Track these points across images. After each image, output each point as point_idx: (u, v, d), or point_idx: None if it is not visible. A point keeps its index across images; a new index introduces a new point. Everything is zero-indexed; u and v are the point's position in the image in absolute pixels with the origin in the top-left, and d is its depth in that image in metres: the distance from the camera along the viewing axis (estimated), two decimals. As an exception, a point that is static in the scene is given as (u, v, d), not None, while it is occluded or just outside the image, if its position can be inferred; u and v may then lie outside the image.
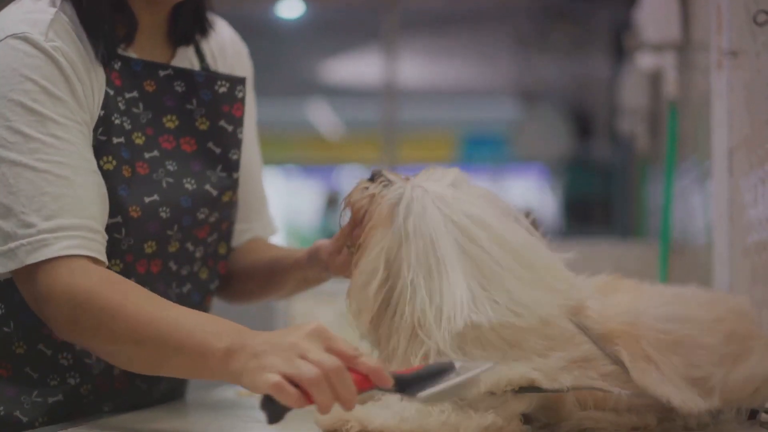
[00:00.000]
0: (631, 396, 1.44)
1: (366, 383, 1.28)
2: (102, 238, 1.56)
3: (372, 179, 1.55)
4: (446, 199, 1.47)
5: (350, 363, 1.29)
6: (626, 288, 1.56)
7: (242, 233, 1.95)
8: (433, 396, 1.27)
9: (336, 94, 10.69)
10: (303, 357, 1.28)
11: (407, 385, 1.28)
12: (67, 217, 1.52)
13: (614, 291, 1.54)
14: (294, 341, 1.31)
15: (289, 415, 1.37)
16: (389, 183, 1.53)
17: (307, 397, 1.27)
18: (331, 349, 1.30)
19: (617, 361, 1.44)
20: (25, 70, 1.55)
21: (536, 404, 1.44)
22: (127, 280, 1.54)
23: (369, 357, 1.31)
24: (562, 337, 1.44)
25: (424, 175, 1.53)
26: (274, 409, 1.28)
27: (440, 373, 1.28)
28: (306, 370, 1.27)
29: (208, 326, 1.41)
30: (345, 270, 1.65)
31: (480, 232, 1.44)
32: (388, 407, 1.40)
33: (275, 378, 1.27)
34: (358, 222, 1.55)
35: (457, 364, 1.29)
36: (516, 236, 1.47)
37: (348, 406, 1.28)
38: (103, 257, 1.55)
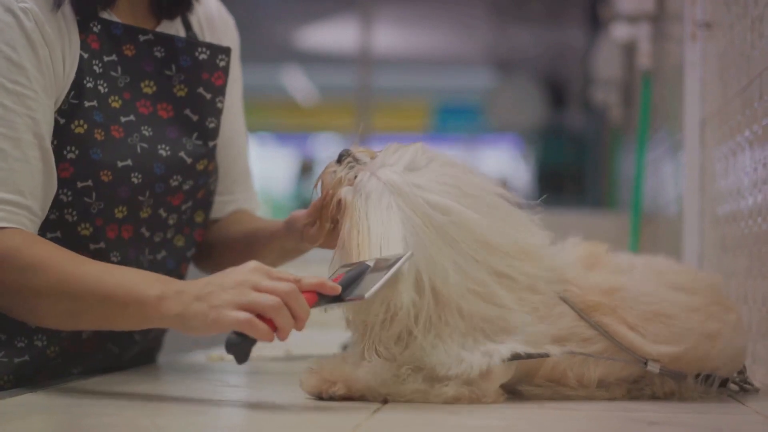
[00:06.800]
0: (606, 361, 1.47)
1: (312, 299, 1.37)
2: (30, 214, 1.55)
3: (339, 161, 1.56)
4: (400, 188, 1.47)
5: (296, 285, 1.36)
6: (606, 263, 1.56)
7: (226, 204, 1.94)
8: (377, 292, 1.35)
9: (311, 60, 10.65)
10: (256, 289, 1.34)
11: (345, 290, 1.37)
12: None
13: (594, 266, 1.54)
14: (240, 278, 1.36)
15: (272, 383, 1.38)
16: (356, 163, 1.54)
17: (271, 327, 1.33)
18: (275, 278, 1.36)
19: (602, 333, 1.46)
20: None
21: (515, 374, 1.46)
22: (49, 241, 1.55)
23: (309, 276, 1.37)
24: (545, 307, 1.45)
25: (383, 156, 1.53)
26: (242, 349, 1.33)
27: (361, 274, 1.38)
28: (266, 299, 1.33)
29: (136, 276, 1.45)
30: (317, 242, 1.67)
31: (439, 218, 1.44)
32: (370, 371, 1.42)
33: (244, 314, 1.32)
34: (327, 202, 1.57)
35: (370, 262, 1.39)
36: (479, 222, 1.46)
37: (301, 326, 1.35)
38: (27, 228, 1.54)
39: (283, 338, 1.35)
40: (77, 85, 1.61)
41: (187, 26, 1.82)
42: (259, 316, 1.33)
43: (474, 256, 1.43)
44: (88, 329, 1.57)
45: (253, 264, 1.39)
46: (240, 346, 1.33)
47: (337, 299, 1.38)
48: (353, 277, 1.38)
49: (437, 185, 1.46)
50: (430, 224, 1.43)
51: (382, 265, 1.38)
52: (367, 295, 1.34)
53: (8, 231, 1.51)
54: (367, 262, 1.39)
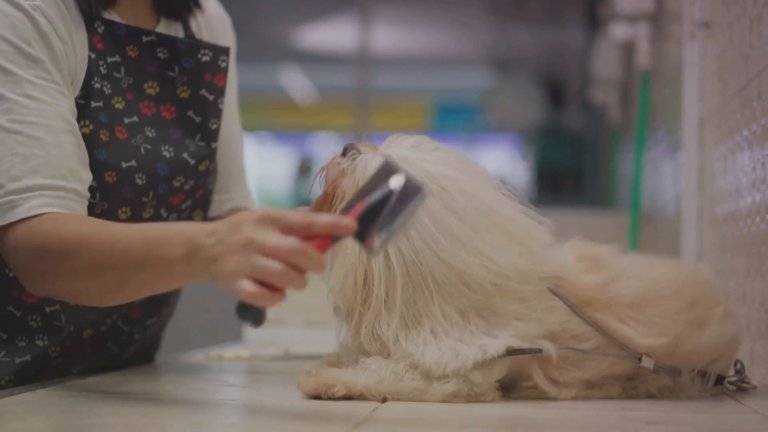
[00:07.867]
0: (596, 361, 1.47)
1: (326, 243, 1.28)
2: (75, 195, 1.55)
3: (344, 153, 1.56)
4: (408, 159, 1.47)
5: (307, 233, 1.27)
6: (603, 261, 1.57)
7: (223, 203, 1.94)
8: (385, 243, 1.28)
9: (310, 60, 10.65)
10: (261, 251, 1.26)
11: (363, 228, 1.27)
12: (35, 178, 1.51)
13: (591, 267, 1.55)
14: (247, 237, 1.28)
15: (270, 383, 1.36)
16: (359, 155, 1.54)
17: (281, 288, 1.27)
18: (284, 229, 1.27)
19: (596, 328, 1.47)
20: (2, 30, 1.54)
21: (507, 372, 1.46)
22: (80, 215, 1.54)
23: (322, 215, 1.29)
24: (537, 298, 1.45)
25: (388, 142, 1.53)
26: (254, 314, 1.27)
27: (383, 203, 1.28)
28: (269, 266, 1.25)
29: (161, 235, 1.40)
30: None
31: (443, 188, 1.45)
32: (367, 370, 1.43)
33: (251, 287, 1.25)
34: (329, 196, 1.56)
35: (393, 183, 1.28)
36: (484, 194, 1.47)
37: (320, 272, 1.28)
38: (76, 212, 1.54)
39: (299, 290, 1.27)
40: (85, 85, 1.62)
41: (186, 26, 1.82)
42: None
43: (473, 227, 1.43)
44: (134, 299, 1.55)
45: (258, 214, 1.30)
46: (251, 313, 1.27)
47: (356, 236, 1.28)
48: (374, 208, 1.27)
49: (443, 162, 1.47)
50: (437, 186, 1.43)
51: (405, 192, 1.28)
52: (374, 247, 1.27)
53: (48, 216, 1.51)
54: (391, 186, 1.28)
